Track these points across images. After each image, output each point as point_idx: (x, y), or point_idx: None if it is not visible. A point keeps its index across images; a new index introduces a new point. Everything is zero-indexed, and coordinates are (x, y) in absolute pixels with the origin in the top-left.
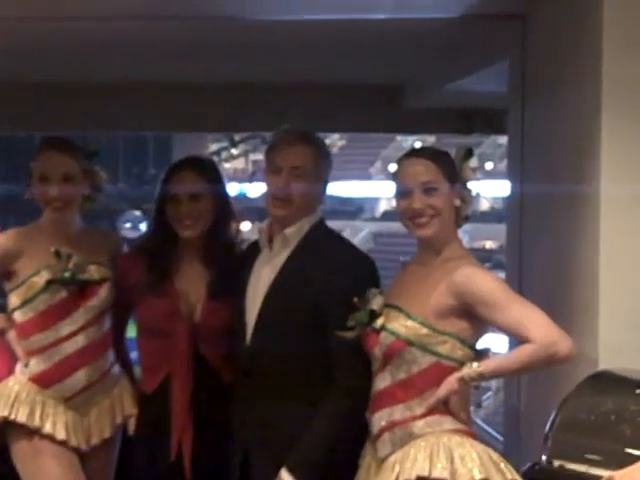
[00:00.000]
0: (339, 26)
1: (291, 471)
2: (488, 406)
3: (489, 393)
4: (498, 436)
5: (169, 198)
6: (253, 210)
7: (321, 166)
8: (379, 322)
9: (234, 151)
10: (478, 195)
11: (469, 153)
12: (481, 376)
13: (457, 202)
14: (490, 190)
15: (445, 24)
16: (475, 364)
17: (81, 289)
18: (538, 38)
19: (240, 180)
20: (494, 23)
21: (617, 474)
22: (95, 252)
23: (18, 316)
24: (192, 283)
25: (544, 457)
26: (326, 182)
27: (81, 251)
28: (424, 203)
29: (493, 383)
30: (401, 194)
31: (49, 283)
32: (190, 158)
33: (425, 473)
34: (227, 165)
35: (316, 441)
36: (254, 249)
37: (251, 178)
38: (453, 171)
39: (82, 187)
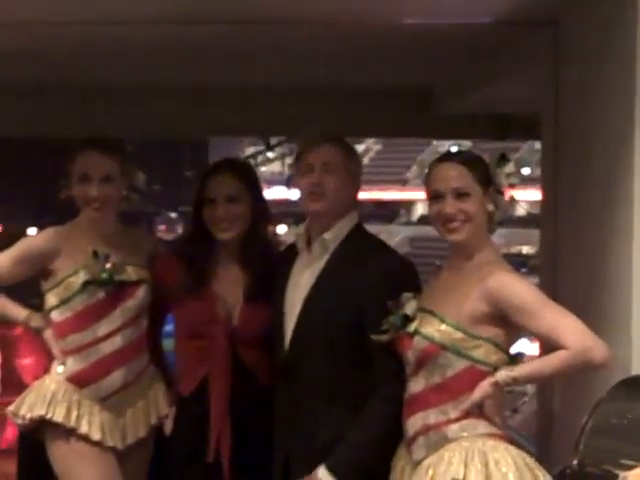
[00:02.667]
0: (373, 31)
1: (330, 470)
2: (524, 412)
3: (525, 399)
4: (527, 443)
5: (206, 200)
6: (289, 213)
7: (350, 164)
8: (413, 326)
9: (270, 154)
10: (514, 200)
11: (503, 158)
12: (515, 381)
13: (490, 207)
14: (527, 195)
15: (479, 29)
16: (509, 369)
17: (118, 290)
18: (571, 43)
19: (276, 183)
20: (528, 28)
21: (630, 474)
22: (132, 253)
23: (55, 316)
24: (230, 286)
25: (575, 461)
26: (358, 184)
27: (119, 252)
28: (456, 208)
29: (529, 389)
30: (433, 198)
31: (86, 284)
32: (227, 160)
33: (459, 477)
34: (263, 168)
35: (355, 444)
36: (291, 253)
37: (287, 181)
38: (486, 176)
39: (121, 187)
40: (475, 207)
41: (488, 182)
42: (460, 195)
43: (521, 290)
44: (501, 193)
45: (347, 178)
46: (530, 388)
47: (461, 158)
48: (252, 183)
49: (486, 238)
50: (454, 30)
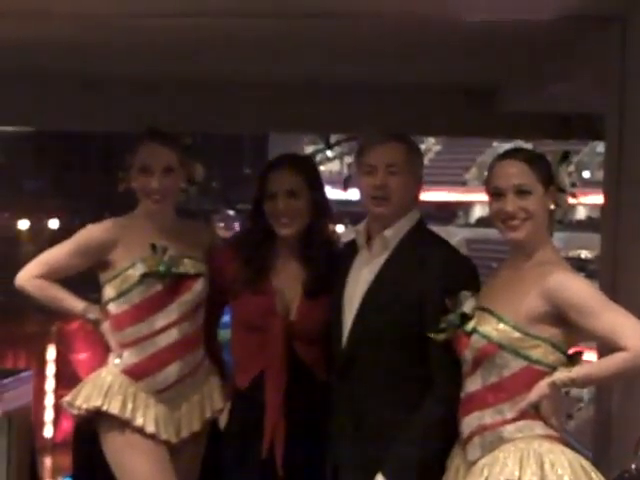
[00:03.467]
0: (436, 28)
1: (386, 475)
2: (579, 418)
3: (581, 404)
4: (581, 447)
5: (267, 195)
6: (347, 213)
7: (414, 163)
8: (470, 325)
9: (330, 153)
10: (575, 198)
11: (565, 157)
12: (573, 382)
13: (551, 206)
14: (587, 199)
15: (542, 26)
16: (567, 369)
17: (176, 283)
18: (637, 40)
19: (335, 183)
20: (593, 25)
21: None
22: (191, 246)
23: (113, 308)
24: (288, 281)
25: (634, 466)
26: (420, 182)
27: (177, 244)
28: (517, 206)
29: (585, 395)
30: (494, 195)
31: (144, 276)
32: (288, 155)
33: (514, 478)
34: (322, 167)
35: (413, 448)
36: (351, 250)
37: (346, 181)
38: (548, 174)
39: (180, 179)
40: (536, 205)
41: (550, 180)
42: (521, 193)
43: (581, 289)
44: (562, 192)
45: (410, 178)
46: (586, 395)
47: (523, 156)
48: (313, 178)
49: (546, 237)
50: (517, 27)
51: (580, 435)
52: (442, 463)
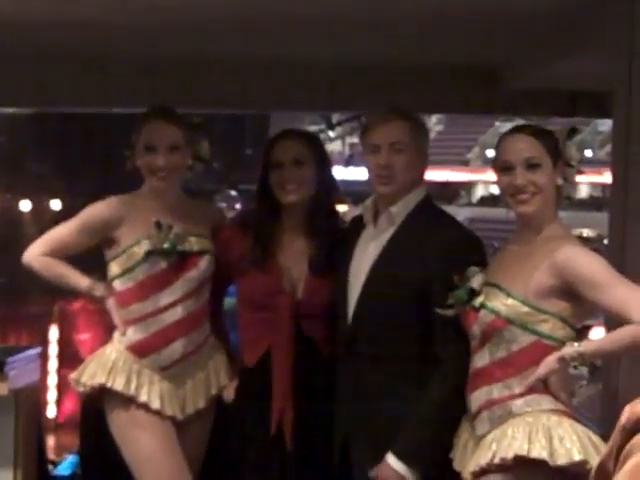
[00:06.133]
0: (437, 5)
1: (398, 457)
2: (581, 394)
3: (583, 382)
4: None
5: (273, 165)
6: (350, 193)
7: (419, 139)
8: (479, 300)
9: (331, 134)
10: (581, 174)
11: (573, 131)
12: (582, 356)
13: (559, 181)
14: (589, 178)
15: (548, 2)
16: (576, 344)
17: (181, 260)
18: None
19: (336, 163)
20: (601, 1)
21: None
22: (196, 223)
23: (118, 285)
24: (295, 258)
25: None
26: (426, 159)
27: (182, 222)
28: (526, 179)
29: (586, 372)
30: (503, 170)
31: (149, 253)
32: (292, 128)
33: (523, 452)
34: None
35: (423, 427)
36: (357, 225)
37: (347, 161)
38: (556, 149)
39: (186, 156)
40: (545, 179)
41: (557, 155)
42: (531, 166)
43: (590, 263)
44: (571, 166)
45: (415, 156)
46: (586, 372)
47: (532, 130)
48: (318, 151)
49: (554, 212)
50: (524, 4)
51: (583, 411)
52: (452, 438)
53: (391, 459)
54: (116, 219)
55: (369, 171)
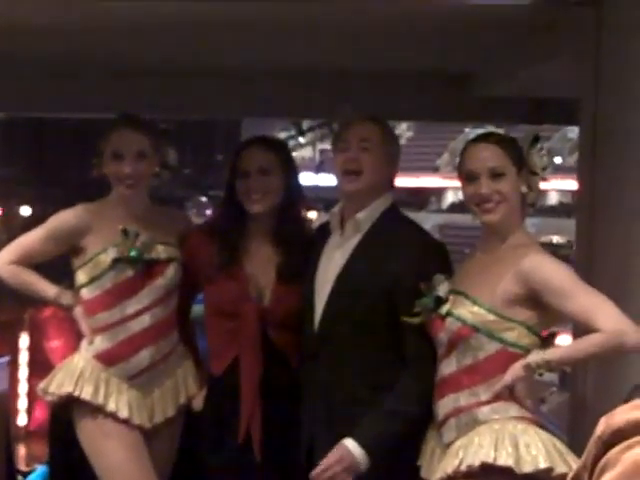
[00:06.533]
0: (406, 12)
1: (358, 442)
2: (552, 402)
3: (553, 389)
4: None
5: (239, 173)
6: (320, 200)
7: (388, 145)
8: (445, 308)
9: (302, 140)
10: (546, 188)
11: (536, 140)
12: (548, 363)
13: (524, 189)
14: (559, 184)
15: (515, 10)
16: (542, 351)
17: (148, 268)
18: (613, 24)
19: (307, 169)
20: (566, 9)
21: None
22: (163, 231)
23: (85, 293)
24: (262, 266)
25: None
26: (395, 166)
27: (149, 230)
28: (491, 189)
29: (556, 379)
30: (468, 179)
31: (116, 261)
32: (261, 136)
33: (490, 460)
34: (295, 154)
35: (384, 421)
36: (324, 233)
37: (318, 167)
38: (520, 157)
39: (153, 164)
40: (510, 187)
41: (521, 163)
42: (495, 175)
43: (556, 271)
44: (535, 174)
45: (384, 158)
46: (557, 379)
47: (495, 139)
48: (286, 158)
49: (519, 220)
50: (491, 11)
51: (553, 418)
52: (416, 442)
53: (350, 443)
54: (83, 227)
55: (337, 170)
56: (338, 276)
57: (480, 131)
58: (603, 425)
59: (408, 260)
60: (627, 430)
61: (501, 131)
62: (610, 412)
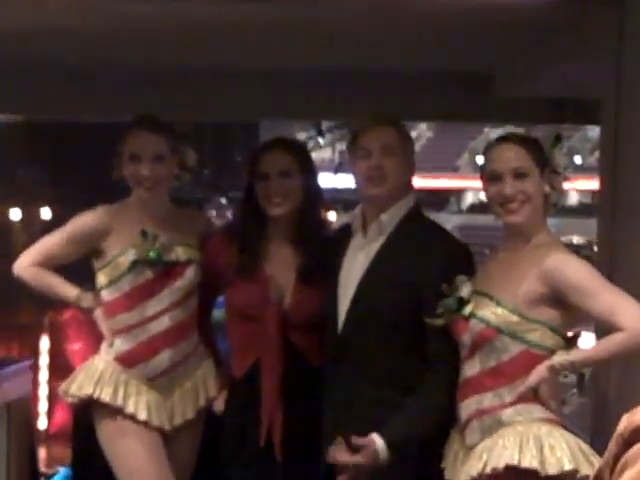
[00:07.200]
0: (429, 11)
1: (383, 437)
2: (572, 404)
3: (574, 390)
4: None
5: (259, 176)
6: (340, 200)
7: (406, 146)
8: (468, 309)
9: (321, 140)
10: (567, 187)
11: (558, 139)
12: (572, 364)
13: (547, 189)
14: (579, 184)
15: (538, 10)
16: (566, 352)
17: (167, 270)
18: (635, 23)
19: (326, 170)
20: (590, 8)
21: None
22: (183, 233)
23: (105, 295)
24: (282, 267)
25: None
26: (413, 167)
27: (169, 231)
28: (515, 189)
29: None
30: (491, 179)
31: (135, 263)
32: (279, 138)
33: (514, 462)
34: (314, 155)
35: (409, 424)
36: (345, 234)
37: (337, 168)
38: (542, 157)
39: (172, 166)
40: (533, 188)
41: (544, 163)
42: (519, 175)
43: (579, 270)
44: (557, 174)
45: (405, 161)
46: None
47: (519, 139)
48: (305, 160)
49: (542, 220)
50: (513, 11)
51: (574, 420)
52: (440, 443)
53: (375, 435)
54: (103, 229)
55: (358, 176)
56: (362, 278)
57: (500, 131)
58: (624, 423)
59: (433, 262)
60: None
61: (522, 131)
62: (632, 410)
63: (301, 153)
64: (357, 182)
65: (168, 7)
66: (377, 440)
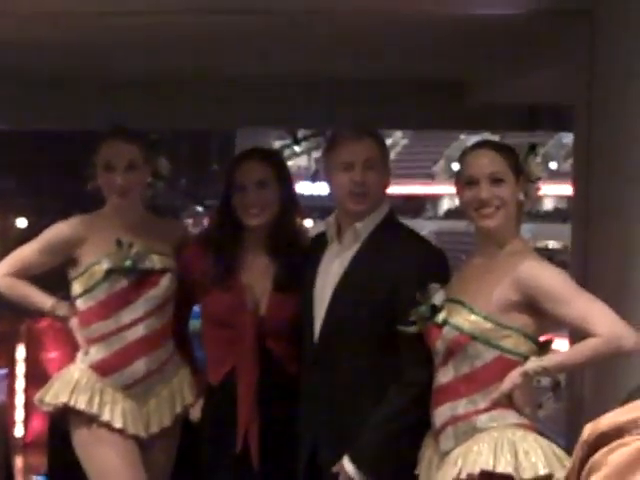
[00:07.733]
0: (404, 21)
1: (354, 461)
2: (548, 407)
3: (550, 394)
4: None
5: (236, 187)
6: (316, 208)
7: (386, 159)
8: (441, 316)
9: (297, 149)
10: (542, 194)
11: (533, 148)
12: (545, 370)
13: (521, 196)
14: (554, 190)
15: (511, 20)
16: (539, 358)
17: (142, 278)
18: (606, 33)
19: (302, 178)
20: (561, 18)
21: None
22: (158, 241)
23: (80, 304)
24: (258, 275)
25: None
26: (389, 173)
27: (144, 240)
28: (491, 193)
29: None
30: (467, 184)
31: (109, 272)
32: (256, 148)
33: (489, 467)
34: (290, 163)
35: (375, 432)
36: (320, 242)
37: (313, 176)
38: (517, 165)
39: (145, 175)
40: (509, 194)
41: (519, 171)
42: (495, 181)
43: (552, 277)
44: (531, 182)
45: (384, 172)
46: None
47: (495, 145)
48: (281, 170)
49: (516, 227)
50: (486, 21)
51: (550, 424)
52: (414, 448)
53: (346, 462)
54: (78, 238)
55: (339, 190)
56: (338, 285)
57: (475, 138)
58: (589, 429)
59: (408, 268)
60: (611, 433)
61: (496, 138)
62: (596, 420)
63: (278, 163)
64: (336, 194)
65: (142, 17)
66: (347, 465)
